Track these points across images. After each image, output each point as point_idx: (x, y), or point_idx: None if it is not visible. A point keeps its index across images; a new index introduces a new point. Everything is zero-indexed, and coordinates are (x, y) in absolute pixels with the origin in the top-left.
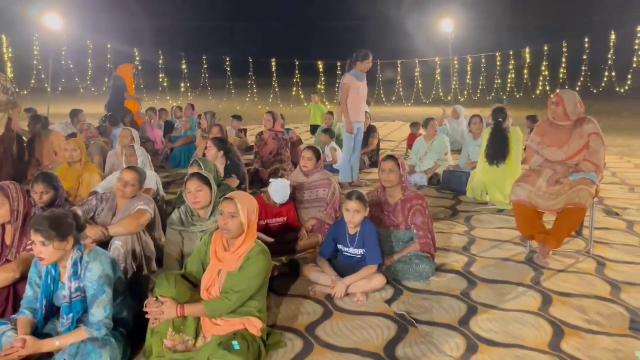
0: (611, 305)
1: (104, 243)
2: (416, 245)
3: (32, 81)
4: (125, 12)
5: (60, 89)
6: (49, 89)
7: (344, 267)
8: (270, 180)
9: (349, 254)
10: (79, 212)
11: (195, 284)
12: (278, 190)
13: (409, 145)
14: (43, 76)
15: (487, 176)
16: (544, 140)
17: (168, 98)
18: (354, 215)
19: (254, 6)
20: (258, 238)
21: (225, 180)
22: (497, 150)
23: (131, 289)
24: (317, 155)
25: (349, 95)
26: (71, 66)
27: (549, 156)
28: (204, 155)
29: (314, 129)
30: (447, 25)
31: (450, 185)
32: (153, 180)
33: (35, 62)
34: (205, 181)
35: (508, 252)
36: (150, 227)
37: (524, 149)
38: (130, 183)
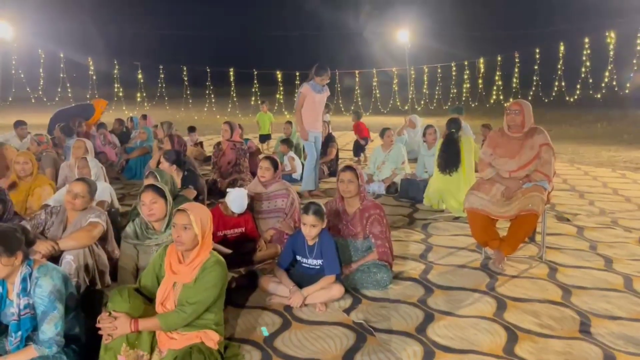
0: (562, 309)
1: (55, 258)
2: (374, 255)
3: None
4: (79, 21)
5: (10, 99)
6: None
7: (303, 278)
8: (228, 190)
9: (307, 265)
10: (28, 226)
11: (150, 298)
12: (236, 200)
13: (361, 136)
14: None
15: (443, 184)
16: (497, 152)
17: (124, 108)
18: (310, 229)
19: (212, 16)
20: (215, 249)
21: (182, 191)
22: (449, 160)
23: (84, 304)
24: (275, 165)
25: (304, 105)
26: (22, 75)
27: (502, 166)
28: (158, 166)
29: (263, 138)
30: (403, 36)
31: (407, 193)
32: (107, 192)
33: None
34: (161, 193)
35: (464, 259)
36: (103, 240)
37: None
38: (80, 195)
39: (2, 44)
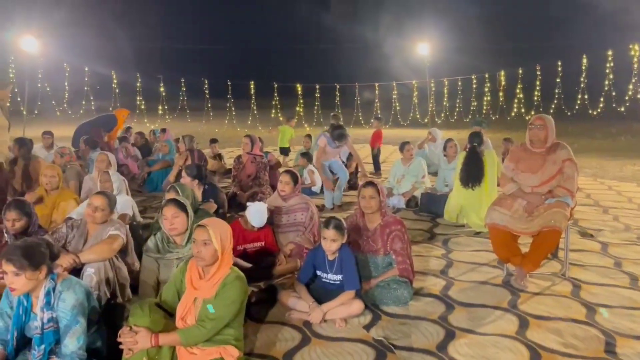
0: (587, 327)
1: (76, 271)
2: (395, 271)
3: (8, 104)
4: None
5: (36, 112)
6: (24, 112)
7: (323, 293)
8: (248, 204)
9: (327, 280)
10: (50, 240)
11: (170, 313)
12: (256, 214)
13: (373, 143)
14: (19, 99)
15: (463, 199)
16: (519, 166)
17: (146, 121)
18: (330, 244)
19: (233, 29)
20: (235, 264)
21: (203, 205)
22: (472, 174)
23: (105, 318)
24: (295, 179)
25: (322, 156)
26: (48, 89)
27: (524, 181)
28: (176, 178)
29: (282, 151)
30: (423, 49)
31: (428, 207)
32: (129, 205)
33: (11, 85)
34: (182, 207)
35: (485, 275)
36: (123, 253)
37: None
38: (100, 208)
39: (28, 59)
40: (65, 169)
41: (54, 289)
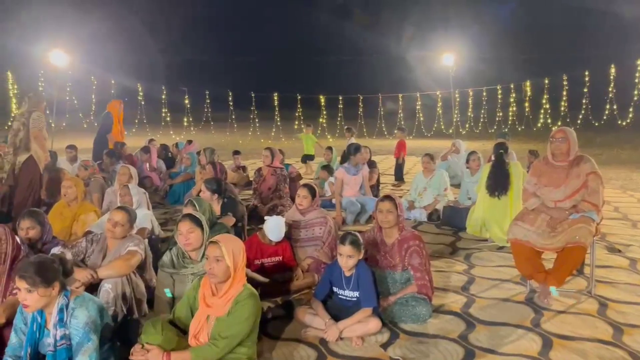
0: (613, 349)
1: (94, 286)
2: (413, 287)
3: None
4: (129, 48)
5: (64, 124)
6: (52, 125)
7: (340, 310)
8: (266, 217)
9: (344, 297)
10: (69, 254)
11: (184, 330)
12: (274, 228)
13: (397, 153)
14: (48, 112)
15: (487, 211)
16: (541, 181)
17: (171, 132)
18: (347, 260)
19: (256, 40)
20: (252, 278)
21: (221, 219)
22: (499, 182)
23: (120, 334)
24: (313, 193)
25: (342, 189)
26: (75, 102)
27: (547, 196)
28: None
29: (304, 158)
30: (448, 59)
31: (450, 221)
32: (148, 219)
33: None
34: (198, 223)
35: (508, 292)
36: (141, 269)
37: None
38: (120, 223)
39: (57, 72)
40: (88, 182)
41: (66, 306)
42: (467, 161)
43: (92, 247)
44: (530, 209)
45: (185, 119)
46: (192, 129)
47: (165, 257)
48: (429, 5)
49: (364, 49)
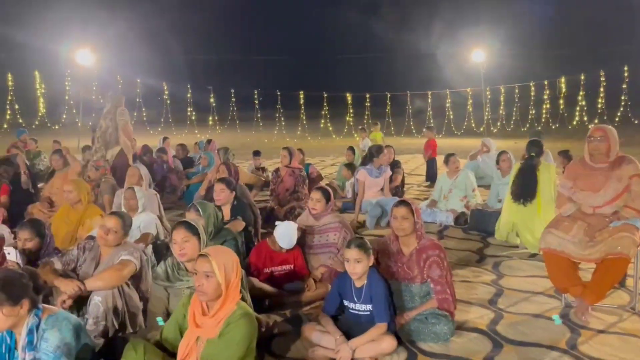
0: None
1: (84, 298)
2: (433, 302)
3: (64, 116)
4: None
5: (90, 123)
6: (79, 124)
7: (351, 326)
8: (277, 223)
9: (355, 311)
10: (58, 264)
11: (172, 353)
12: (284, 234)
13: (426, 152)
14: (74, 111)
15: (516, 216)
16: (577, 184)
17: (196, 132)
18: (354, 265)
19: (282, 38)
20: (261, 289)
21: (229, 223)
22: (524, 188)
23: (107, 353)
24: (327, 196)
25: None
26: (101, 101)
27: (584, 201)
28: (207, 192)
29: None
30: (478, 56)
31: (478, 225)
32: (153, 223)
33: (66, 97)
34: (194, 230)
35: (540, 306)
36: (136, 279)
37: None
38: (113, 230)
39: (84, 71)
40: (99, 183)
41: (37, 327)
42: (497, 162)
43: (84, 256)
44: (565, 215)
45: (211, 118)
46: (217, 128)
47: (159, 269)
48: (458, 1)
49: (391, 46)
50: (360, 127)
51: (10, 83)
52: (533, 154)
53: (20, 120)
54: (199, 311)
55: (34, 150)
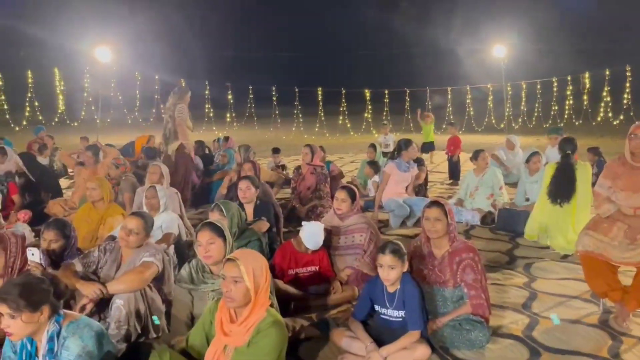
0: None
1: (106, 301)
2: (467, 307)
3: (83, 113)
4: (173, 44)
5: (109, 120)
6: (98, 121)
7: (382, 332)
8: (303, 223)
9: (387, 317)
10: (79, 266)
11: None
12: (311, 236)
13: (450, 150)
14: (93, 108)
15: (548, 217)
16: (617, 184)
17: (214, 128)
18: (388, 272)
19: (300, 35)
20: (285, 291)
21: (253, 224)
22: (562, 188)
23: (132, 357)
24: (353, 196)
25: (388, 184)
26: (120, 97)
27: (624, 202)
28: (229, 191)
29: (425, 148)
30: (500, 51)
31: (506, 225)
32: (175, 223)
33: (85, 94)
34: (219, 232)
35: (577, 311)
36: (159, 281)
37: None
38: (135, 231)
39: (102, 68)
40: (120, 181)
41: (58, 334)
42: (527, 161)
43: (105, 258)
44: (604, 216)
45: (228, 115)
46: (234, 125)
47: (184, 271)
48: None
49: (410, 41)
50: (383, 122)
51: (30, 80)
52: (569, 152)
53: (40, 117)
54: (227, 318)
55: (51, 147)
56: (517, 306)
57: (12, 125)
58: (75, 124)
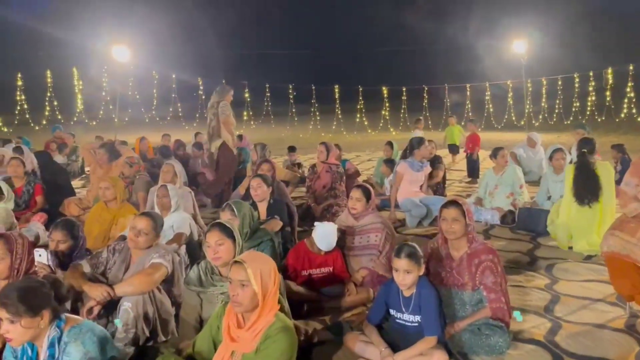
0: None
1: (114, 303)
2: (487, 311)
3: (101, 112)
4: (190, 43)
5: (127, 119)
6: (116, 119)
7: (397, 337)
8: (316, 224)
9: (403, 322)
10: (87, 267)
11: None
12: (324, 236)
13: (469, 148)
14: (111, 107)
15: (575, 219)
16: None
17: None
18: (404, 276)
19: (317, 33)
20: (298, 292)
21: (266, 223)
22: (587, 188)
23: None
24: (368, 195)
25: (402, 184)
26: (137, 96)
27: None
28: (247, 192)
29: (451, 148)
30: (520, 46)
31: (527, 225)
32: (186, 223)
33: (103, 93)
34: (229, 233)
35: (602, 315)
36: (168, 283)
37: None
38: (144, 232)
39: (120, 67)
40: (134, 180)
41: (59, 339)
42: (550, 158)
43: (114, 259)
44: (630, 216)
45: (245, 113)
46: (252, 123)
47: (192, 273)
48: None
49: (428, 38)
50: (416, 118)
51: (49, 80)
52: (584, 150)
53: (60, 117)
54: (234, 323)
55: (72, 145)
56: (538, 309)
57: (32, 125)
58: (94, 123)
